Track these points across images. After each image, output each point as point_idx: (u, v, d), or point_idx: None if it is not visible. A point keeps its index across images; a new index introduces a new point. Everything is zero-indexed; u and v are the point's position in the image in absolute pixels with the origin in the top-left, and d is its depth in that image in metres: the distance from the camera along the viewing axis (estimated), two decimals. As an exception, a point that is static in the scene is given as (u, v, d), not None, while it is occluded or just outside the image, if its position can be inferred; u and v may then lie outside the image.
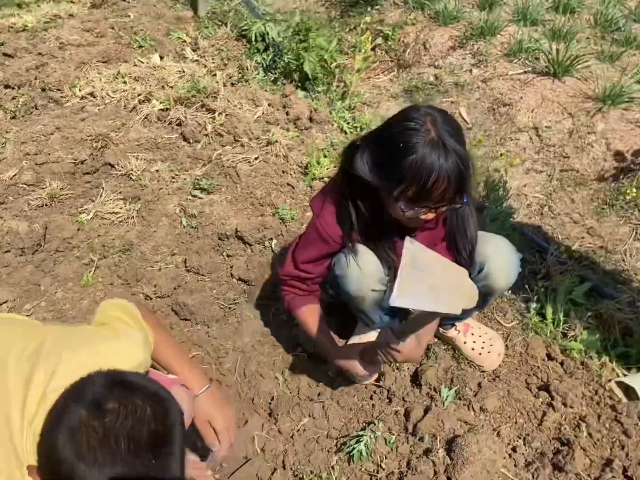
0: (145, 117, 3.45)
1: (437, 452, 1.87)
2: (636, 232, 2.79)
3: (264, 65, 3.94)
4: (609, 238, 2.77)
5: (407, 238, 1.56)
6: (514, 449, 1.93)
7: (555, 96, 3.30)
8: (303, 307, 2.03)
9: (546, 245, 2.73)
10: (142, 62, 3.94)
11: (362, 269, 1.86)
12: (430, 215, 1.67)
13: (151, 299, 2.49)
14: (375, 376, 2.20)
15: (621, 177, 2.95)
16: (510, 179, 3.08)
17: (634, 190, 2.85)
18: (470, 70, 3.73)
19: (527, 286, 2.52)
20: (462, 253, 1.92)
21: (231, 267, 2.60)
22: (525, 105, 3.33)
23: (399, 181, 1.56)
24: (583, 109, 3.22)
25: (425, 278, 1.53)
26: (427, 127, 1.51)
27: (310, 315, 2.03)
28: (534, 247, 2.72)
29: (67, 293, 2.54)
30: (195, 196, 2.99)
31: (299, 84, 3.79)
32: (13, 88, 3.65)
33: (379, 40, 4.24)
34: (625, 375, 2.19)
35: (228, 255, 2.66)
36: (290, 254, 2.01)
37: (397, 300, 1.43)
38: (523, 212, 2.91)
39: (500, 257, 1.93)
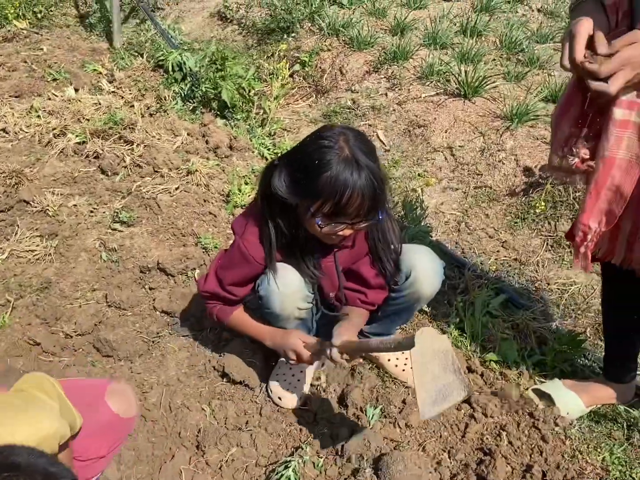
0: (61, 151, 3.38)
1: (364, 471, 1.89)
2: (547, 244, 2.92)
3: (182, 94, 3.95)
4: (523, 250, 2.89)
5: (413, 350, 1.59)
6: (439, 463, 1.97)
7: (467, 116, 3.43)
8: (232, 314, 2.08)
9: (464, 261, 2.83)
10: (56, 96, 3.88)
11: (285, 288, 1.89)
12: (348, 232, 1.74)
13: (71, 337, 2.43)
14: (296, 403, 2.20)
15: (531, 191, 3.09)
16: (428, 198, 3.18)
17: (543, 203, 2.99)
18: (386, 94, 3.84)
19: (446, 301, 2.59)
20: (386, 265, 1.98)
21: (154, 299, 2.57)
22: (439, 126, 3.46)
23: (315, 197, 1.63)
24: (493, 128, 3.37)
25: (436, 382, 1.63)
26: (340, 145, 1.59)
27: (240, 318, 2.09)
28: (453, 262, 2.81)
29: (-18, 337, 2.45)
30: (115, 229, 2.94)
31: (218, 113, 3.81)
32: None
33: (297, 67, 4.31)
34: (542, 382, 2.28)
35: (150, 288, 2.63)
36: (213, 272, 2.02)
37: (426, 415, 1.60)
38: (441, 229, 3.01)
39: (425, 265, 2.00)
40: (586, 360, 2.40)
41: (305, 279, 1.93)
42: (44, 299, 2.59)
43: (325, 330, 2.11)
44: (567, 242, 2.90)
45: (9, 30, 4.96)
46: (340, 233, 1.73)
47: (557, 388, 2.22)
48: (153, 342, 2.44)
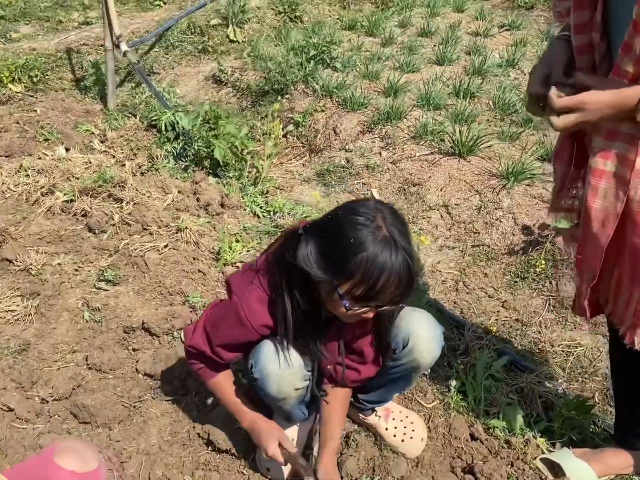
0: (48, 210, 3.30)
1: None
2: (548, 304, 2.82)
3: (174, 153, 3.91)
4: (524, 310, 2.78)
5: None
6: (442, 540, 1.81)
7: (462, 175, 3.39)
8: (215, 377, 1.94)
9: (463, 321, 2.71)
10: (46, 155, 3.83)
11: (285, 369, 1.75)
12: (371, 314, 1.60)
13: (47, 402, 2.28)
14: (285, 474, 2.04)
15: (530, 250, 3.00)
16: (424, 257, 3.09)
17: (543, 262, 2.90)
18: (380, 153, 3.80)
19: (446, 364, 2.46)
20: (387, 340, 1.85)
21: (136, 361, 2.43)
22: (434, 184, 3.40)
23: (346, 278, 1.47)
24: (489, 186, 3.31)
25: None
26: (378, 224, 1.45)
27: (222, 385, 1.96)
28: (452, 323, 2.69)
29: (-47, 402, 2.29)
30: (99, 288, 2.83)
31: (210, 171, 3.76)
32: None
33: (290, 127, 4.30)
34: (550, 451, 2.13)
35: (133, 349, 2.50)
36: (202, 326, 1.86)
37: None
38: (438, 288, 2.90)
39: (423, 332, 1.86)
40: (596, 427, 2.25)
41: (308, 356, 1.80)
42: (21, 362, 2.45)
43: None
44: (570, 303, 2.80)
45: (3, 94, 4.96)
46: (364, 315, 1.59)
47: (567, 457, 2.07)
48: (134, 407, 2.28)
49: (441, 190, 3.36)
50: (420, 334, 1.85)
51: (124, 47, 4.47)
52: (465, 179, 3.35)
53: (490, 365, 2.37)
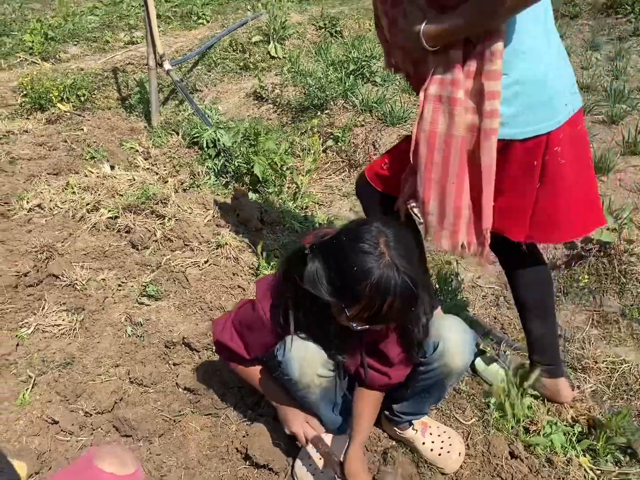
0: (93, 226, 3.39)
1: None
2: (592, 319, 2.75)
3: (215, 170, 3.97)
4: (566, 326, 2.73)
5: None
6: None
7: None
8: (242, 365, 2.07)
9: (504, 336, 2.67)
10: (92, 173, 3.94)
11: (304, 352, 1.81)
12: (379, 327, 1.67)
13: (90, 415, 2.33)
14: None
15: (573, 264, 2.94)
16: (464, 271, 3.06)
17: (586, 276, 2.85)
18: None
19: (485, 380, 2.43)
20: (414, 342, 1.85)
21: (177, 375, 2.47)
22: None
23: (352, 303, 1.54)
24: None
25: None
26: (381, 250, 1.51)
27: (250, 369, 2.07)
28: (492, 338, 2.66)
29: (1, 414, 2.37)
30: (142, 303, 2.89)
31: (250, 187, 3.81)
32: (-42, 203, 3.59)
33: (330, 142, 4.33)
34: (593, 471, 2.08)
35: (174, 364, 2.54)
36: (230, 324, 1.98)
37: None
38: (479, 303, 2.87)
39: (454, 335, 1.86)
40: (642, 446, 2.19)
41: (329, 357, 1.85)
42: (65, 375, 2.51)
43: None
44: (615, 318, 2.74)
45: (53, 113, 5.13)
46: (373, 329, 1.66)
47: None
48: (174, 421, 2.32)
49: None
50: (451, 338, 1.85)
51: (167, 65, 4.58)
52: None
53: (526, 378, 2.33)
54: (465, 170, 1.78)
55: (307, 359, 1.81)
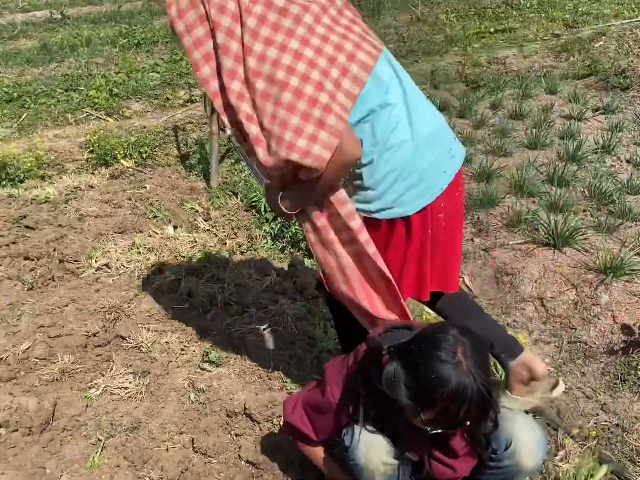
0: (158, 288, 3.55)
1: None
2: (650, 407, 2.76)
3: (272, 234, 4.12)
4: (624, 415, 2.73)
5: None
6: None
7: (557, 267, 3.40)
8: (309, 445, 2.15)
9: (561, 423, 2.70)
10: (156, 233, 4.12)
11: (371, 439, 1.88)
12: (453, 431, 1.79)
13: (157, 483, 2.43)
14: None
15: (631, 351, 2.95)
16: (518, 350, 3.10)
17: (644, 363, 2.86)
18: (472, 239, 3.88)
19: (544, 469, 2.45)
20: (480, 438, 1.91)
21: (239, 447, 2.56)
22: (528, 275, 3.43)
23: (428, 407, 1.63)
24: (586, 280, 3.30)
25: None
26: (459, 359, 1.61)
27: (317, 451, 2.15)
28: (549, 424, 2.69)
29: (72, 476, 2.48)
30: (204, 369, 3.01)
31: (306, 253, 3.93)
32: (32, 260, 3.80)
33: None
34: None
35: (236, 435, 2.63)
36: (300, 406, 2.08)
37: None
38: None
39: (526, 435, 1.93)
40: None
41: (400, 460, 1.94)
42: (132, 440, 2.63)
43: None
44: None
45: (116, 168, 5.39)
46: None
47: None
48: (237, 494, 2.40)
49: (535, 282, 3.38)
50: (523, 438, 1.91)
51: (228, 131, 4.79)
52: (561, 272, 3.37)
53: (591, 474, 2.35)
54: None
55: (374, 447, 1.89)
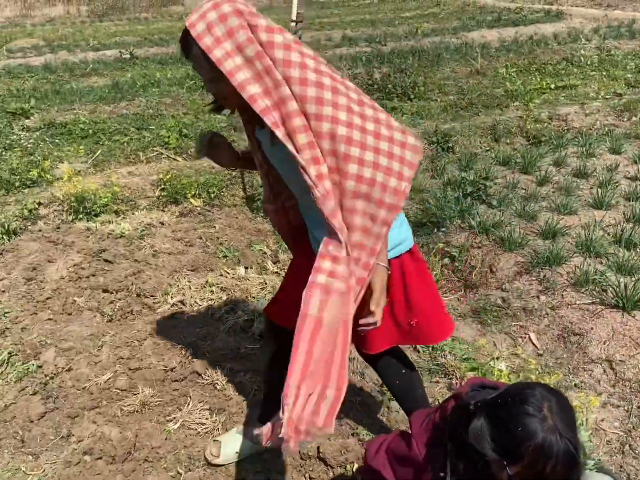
0: (231, 327, 3.68)
1: None
2: None
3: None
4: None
5: None
6: None
7: (627, 330, 3.42)
8: None
9: (629, 486, 2.70)
10: (228, 273, 4.28)
11: None
12: None
13: (235, 520, 2.52)
14: None
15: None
16: (587, 412, 3.11)
17: None
18: (538, 297, 3.92)
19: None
20: None
21: (315, 491, 2.64)
22: (596, 336, 3.45)
23: (514, 461, 1.67)
24: (654, 344, 3.32)
25: None
26: (545, 414, 1.65)
27: None
28: (618, 487, 2.69)
29: (153, 506, 2.59)
30: (276, 410, 3.10)
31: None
32: (111, 292, 3.99)
33: (446, 260, 4.52)
34: None
35: (310, 477, 2.71)
36: (384, 451, 2.11)
37: None
38: (602, 448, 2.91)
39: None
40: None
41: None
42: (210, 476, 2.73)
43: None
44: None
45: (185, 207, 5.61)
46: None
47: None
48: (313, 537, 2.47)
49: (604, 344, 3.40)
50: None
51: (299, 177, 4.96)
52: (630, 335, 3.38)
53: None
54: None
55: None
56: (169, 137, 7.23)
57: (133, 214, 5.48)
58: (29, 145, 7.15)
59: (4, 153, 6.84)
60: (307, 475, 2.73)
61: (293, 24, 4.31)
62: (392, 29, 15.51)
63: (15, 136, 7.50)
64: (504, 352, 3.60)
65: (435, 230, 4.83)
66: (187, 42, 1.94)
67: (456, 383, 3.28)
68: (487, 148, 6.74)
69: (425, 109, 7.85)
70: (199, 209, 5.66)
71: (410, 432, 2.10)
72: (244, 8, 1.90)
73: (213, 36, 1.86)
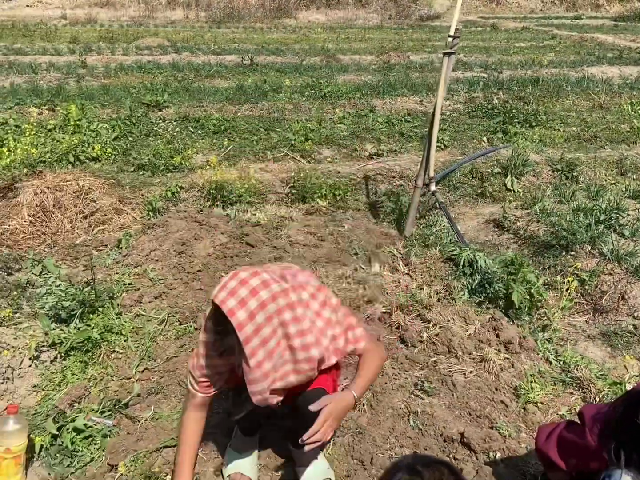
0: (369, 317, 3.88)
1: None
2: None
3: (469, 287, 4.35)
4: None
5: None
6: None
7: None
8: None
9: None
10: (362, 268, 4.49)
11: None
12: None
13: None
14: None
15: None
16: None
17: None
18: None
19: None
20: None
21: (461, 470, 2.77)
22: None
23: None
24: None
25: None
26: None
27: None
28: None
29: (305, 463, 2.80)
30: (417, 396, 3.26)
31: (503, 310, 4.13)
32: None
33: (575, 283, 4.56)
34: None
35: (455, 459, 2.85)
36: (555, 438, 2.23)
37: None
38: None
39: None
40: None
41: None
42: (358, 442, 2.91)
43: None
44: None
45: (312, 206, 5.90)
46: None
47: None
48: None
49: None
50: None
51: (432, 187, 5.14)
52: None
53: None
54: None
55: None
56: (295, 139, 7.57)
57: (264, 207, 5.81)
58: (167, 135, 7.66)
59: (146, 138, 7.36)
60: (451, 456, 2.87)
61: (450, 39, 4.48)
62: (506, 57, 15.54)
63: (153, 125, 8.05)
64: (635, 374, 3.62)
65: (564, 253, 4.88)
66: (226, 326, 2.17)
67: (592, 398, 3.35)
68: (613, 181, 6.72)
69: (548, 137, 7.89)
70: (324, 209, 5.92)
71: (581, 422, 2.20)
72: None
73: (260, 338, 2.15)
